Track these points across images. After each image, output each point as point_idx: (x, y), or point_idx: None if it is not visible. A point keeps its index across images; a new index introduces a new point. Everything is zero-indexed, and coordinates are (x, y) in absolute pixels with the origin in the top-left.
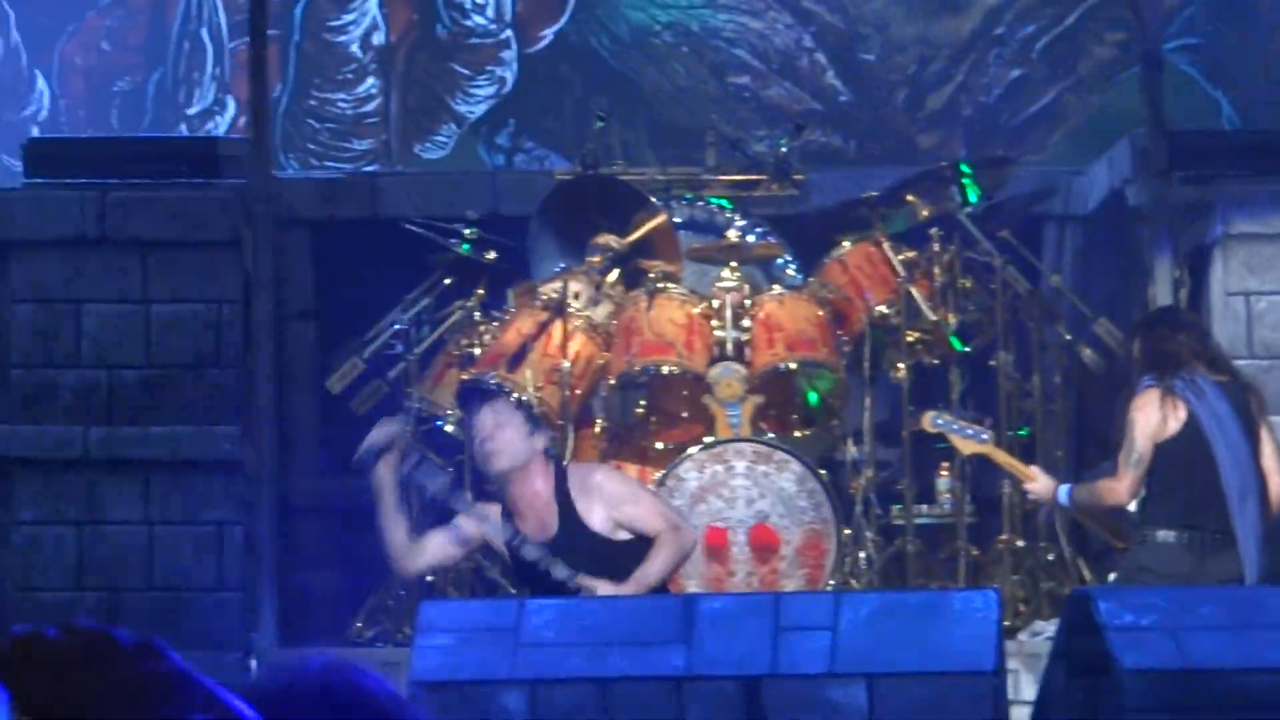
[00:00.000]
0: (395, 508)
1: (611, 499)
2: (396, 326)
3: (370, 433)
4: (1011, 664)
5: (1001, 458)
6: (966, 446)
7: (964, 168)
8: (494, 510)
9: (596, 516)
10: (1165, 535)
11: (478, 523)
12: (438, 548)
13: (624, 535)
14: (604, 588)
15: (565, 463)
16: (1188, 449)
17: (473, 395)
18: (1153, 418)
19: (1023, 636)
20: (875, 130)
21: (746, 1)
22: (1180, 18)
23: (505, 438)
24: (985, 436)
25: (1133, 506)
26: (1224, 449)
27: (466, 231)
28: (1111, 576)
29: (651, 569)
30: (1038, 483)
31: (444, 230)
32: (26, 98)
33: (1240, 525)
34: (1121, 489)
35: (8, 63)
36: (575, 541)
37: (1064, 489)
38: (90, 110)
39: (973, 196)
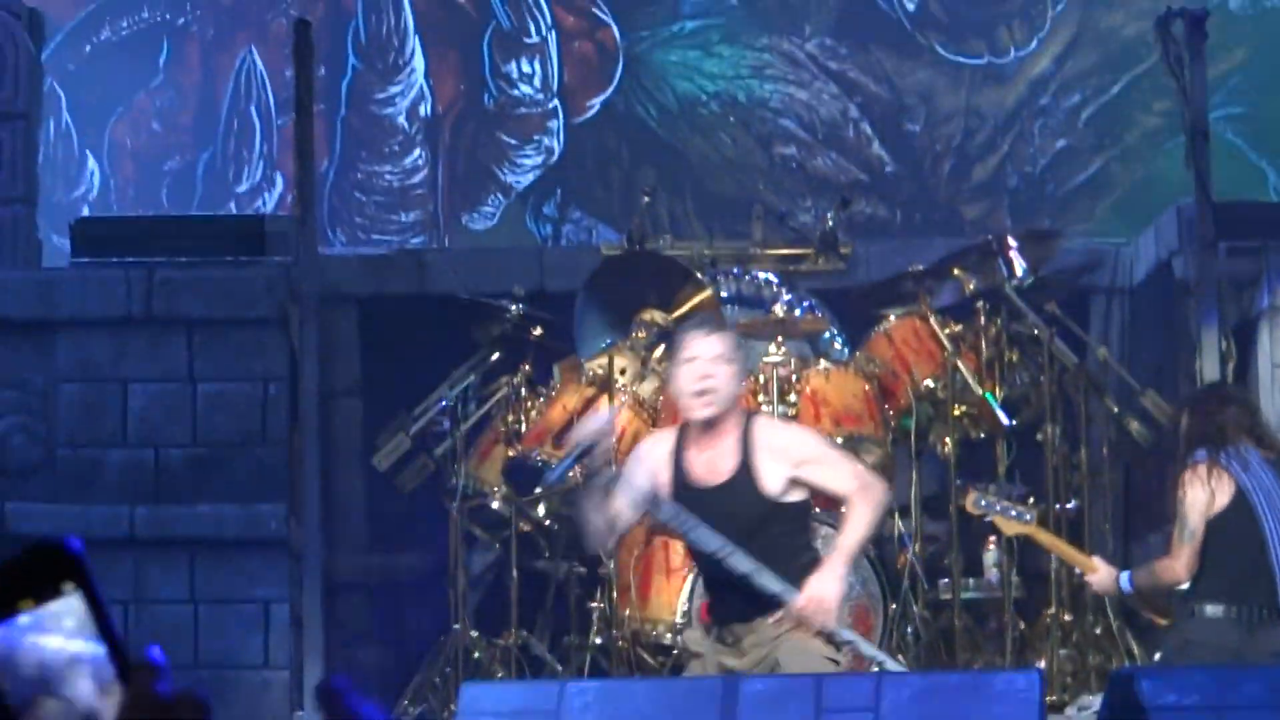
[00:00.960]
0: (600, 497)
1: (799, 459)
2: (443, 403)
3: (582, 428)
4: None
5: (1047, 540)
6: (1010, 527)
7: (1011, 240)
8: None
9: (772, 477)
10: (1214, 610)
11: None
12: (622, 515)
13: (794, 497)
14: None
15: (754, 413)
16: (1236, 523)
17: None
18: (1202, 493)
19: (1070, 711)
20: (920, 201)
21: (793, 72)
22: (1226, 86)
23: (724, 378)
24: (1029, 517)
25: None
26: (1272, 523)
27: (513, 308)
28: (1157, 655)
29: (853, 534)
30: (1099, 573)
31: (491, 306)
32: (77, 178)
33: None
34: (1179, 566)
35: (59, 144)
36: (737, 499)
37: (1125, 576)
38: (140, 190)
39: (1020, 271)
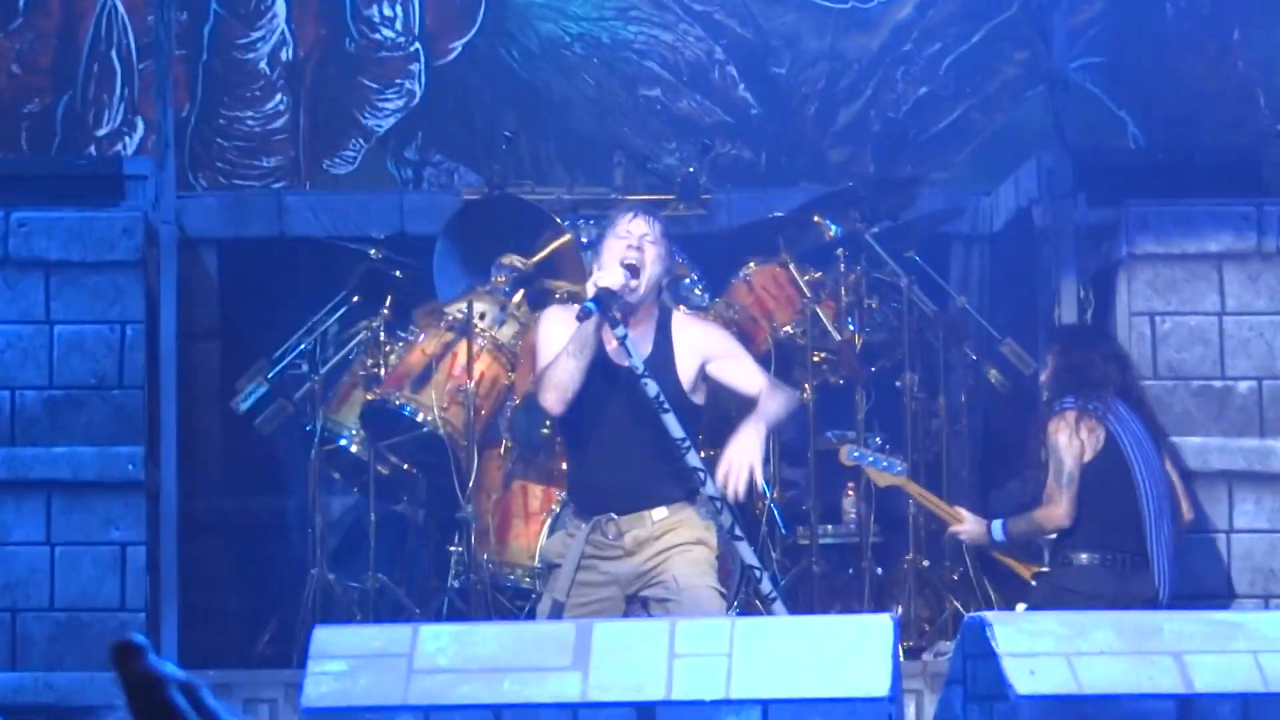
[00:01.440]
0: (588, 359)
1: (713, 353)
2: (302, 347)
3: (604, 272)
4: (915, 684)
5: (917, 492)
6: (882, 479)
7: (870, 188)
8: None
9: (686, 367)
10: (1089, 558)
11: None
12: (564, 365)
13: (698, 399)
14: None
15: (671, 307)
16: (1108, 471)
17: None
18: (1075, 439)
19: (927, 656)
20: (786, 144)
21: (658, 14)
22: (1085, 36)
23: (649, 261)
24: (900, 469)
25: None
26: (1143, 470)
27: (373, 252)
28: (1020, 606)
29: (768, 409)
30: (965, 524)
31: (351, 249)
32: None
33: (1155, 546)
34: (1060, 512)
35: None
36: (656, 379)
37: (997, 525)
38: None
39: (879, 218)
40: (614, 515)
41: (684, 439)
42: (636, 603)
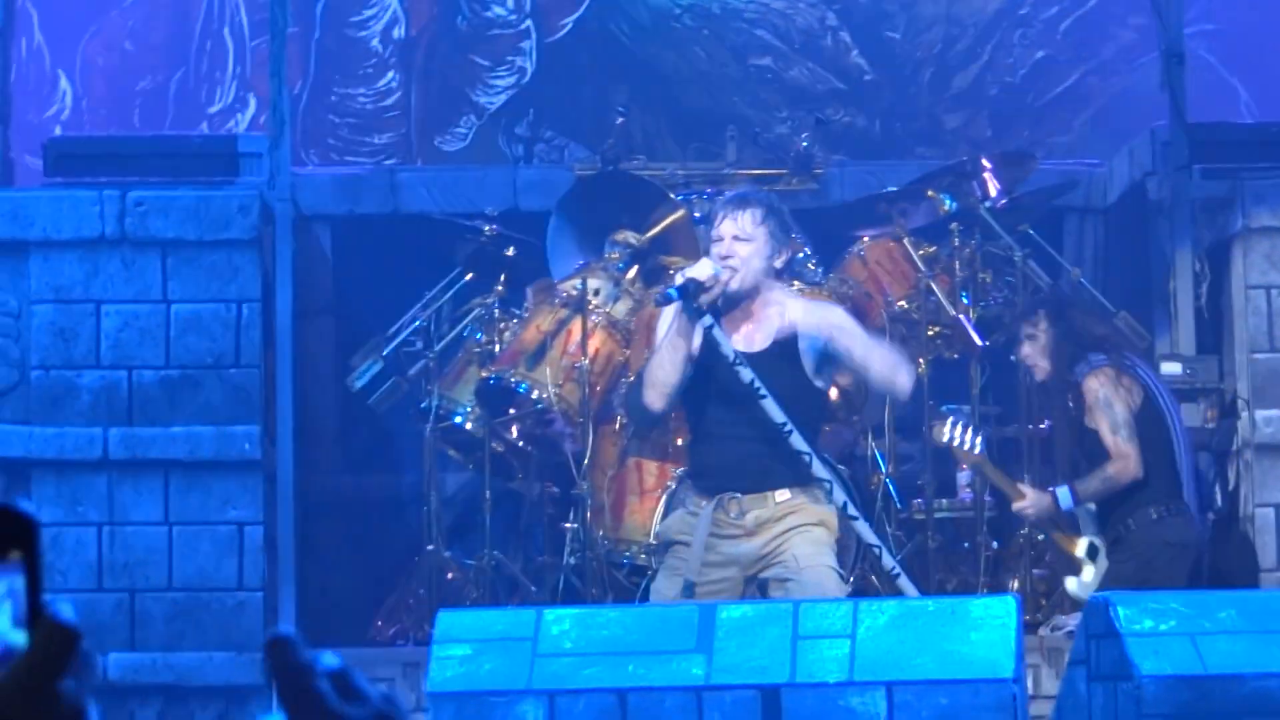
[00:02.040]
0: (685, 353)
1: (833, 325)
2: (417, 323)
3: (694, 266)
4: (1033, 659)
5: (990, 470)
6: (967, 459)
7: (986, 161)
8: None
9: (808, 353)
10: (1158, 510)
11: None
12: (659, 361)
13: (820, 382)
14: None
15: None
16: (1152, 423)
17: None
18: (1122, 389)
19: (1044, 631)
20: (900, 110)
21: None
22: (1199, 2)
23: (745, 257)
24: (978, 450)
25: None
26: (1176, 421)
27: (487, 228)
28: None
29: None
30: (1028, 499)
31: (464, 226)
32: (49, 98)
33: (1191, 494)
34: (1133, 464)
35: (31, 63)
36: (777, 367)
37: (1064, 492)
38: (112, 110)
39: (993, 191)
40: (738, 494)
41: (785, 423)
42: (754, 584)
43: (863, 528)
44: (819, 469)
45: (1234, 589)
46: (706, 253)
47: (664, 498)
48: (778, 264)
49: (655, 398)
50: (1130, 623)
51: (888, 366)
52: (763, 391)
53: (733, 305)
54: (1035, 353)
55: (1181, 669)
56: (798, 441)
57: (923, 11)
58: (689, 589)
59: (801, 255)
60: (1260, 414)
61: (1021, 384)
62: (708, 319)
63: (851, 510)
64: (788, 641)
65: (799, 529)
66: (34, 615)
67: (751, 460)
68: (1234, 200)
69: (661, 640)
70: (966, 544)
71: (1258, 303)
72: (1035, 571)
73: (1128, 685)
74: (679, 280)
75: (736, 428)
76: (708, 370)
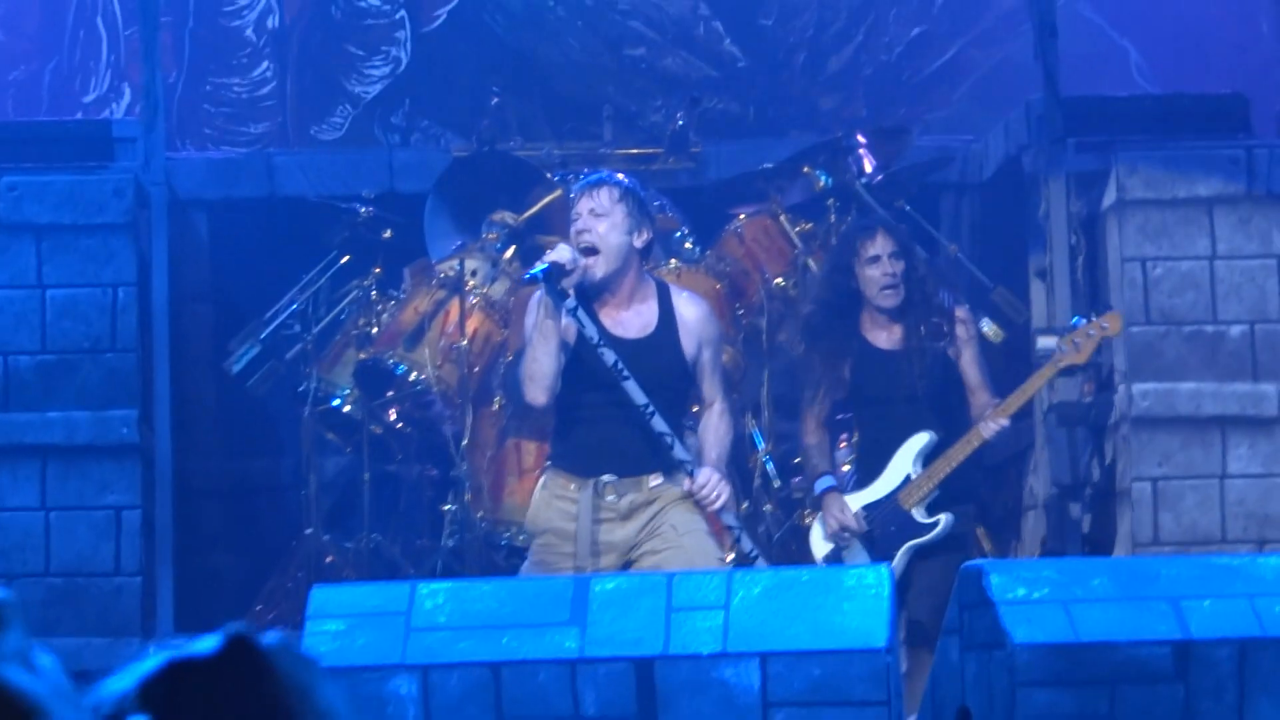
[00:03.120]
0: (556, 339)
1: (705, 339)
2: (294, 307)
3: (553, 250)
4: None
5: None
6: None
7: (861, 136)
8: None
9: (689, 346)
10: None
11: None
12: (533, 354)
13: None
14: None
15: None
16: None
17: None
18: None
19: None
20: (775, 95)
21: None
22: None
23: (603, 233)
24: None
25: None
26: None
27: (363, 210)
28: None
29: (725, 444)
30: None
31: (341, 209)
32: None
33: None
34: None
35: None
36: (659, 355)
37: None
38: None
39: (870, 168)
40: (613, 478)
41: (647, 405)
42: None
43: (726, 514)
44: (680, 451)
45: None
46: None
47: (542, 478)
48: (638, 243)
49: (537, 392)
50: (1003, 591)
51: (717, 416)
52: (626, 374)
53: (603, 289)
54: (880, 275)
55: (1054, 637)
56: (659, 424)
57: None
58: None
59: (679, 234)
60: (1137, 387)
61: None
62: (570, 301)
63: (733, 521)
64: (662, 613)
65: (673, 502)
66: None
67: (625, 444)
68: (1108, 173)
69: (535, 613)
70: None
71: (1133, 275)
72: None
73: (1001, 653)
74: (539, 266)
75: (607, 409)
76: (576, 353)
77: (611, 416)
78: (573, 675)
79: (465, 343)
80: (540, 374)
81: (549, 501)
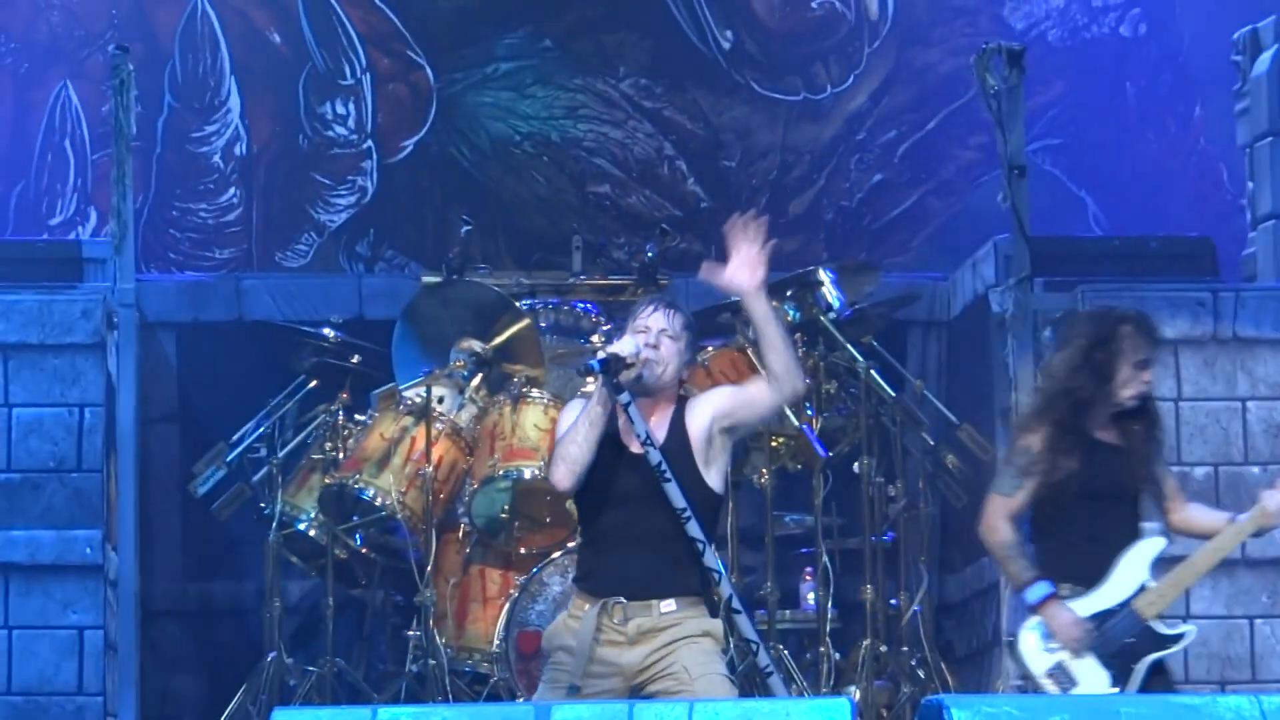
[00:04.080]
0: (599, 430)
1: (715, 400)
2: (260, 430)
3: (616, 342)
4: None
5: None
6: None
7: (827, 274)
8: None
9: (698, 442)
10: None
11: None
12: (573, 438)
13: (715, 480)
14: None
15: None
16: None
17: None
18: None
19: None
20: None
21: (607, 111)
22: (1045, 118)
23: (668, 353)
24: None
25: None
26: None
27: (331, 335)
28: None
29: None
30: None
31: (309, 333)
32: None
33: None
34: None
35: None
36: (674, 471)
37: None
38: None
39: (836, 303)
40: (622, 600)
41: (684, 509)
42: (637, 696)
43: (744, 622)
44: (710, 558)
45: None
46: (551, 361)
47: (507, 606)
48: (685, 375)
49: (564, 475)
50: None
51: (786, 371)
52: (668, 475)
53: (642, 397)
54: (1143, 382)
55: None
56: (693, 529)
57: (758, 140)
58: (573, 694)
59: None
60: None
61: (863, 496)
62: (625, 395)
63: (735, 604)
64: None
65: (686, 639)
66: None
67: (640, 567)
68: (1075, 312)
69: None
70: (809, 654)
71: None
72: (877, 682)
73: None
74: (601, 354)
75: (630, 530)
76: (616, 464)
77: (634, 538)
78: None
79: (431, 469)
80: (574, 457)
81: (565, 620)
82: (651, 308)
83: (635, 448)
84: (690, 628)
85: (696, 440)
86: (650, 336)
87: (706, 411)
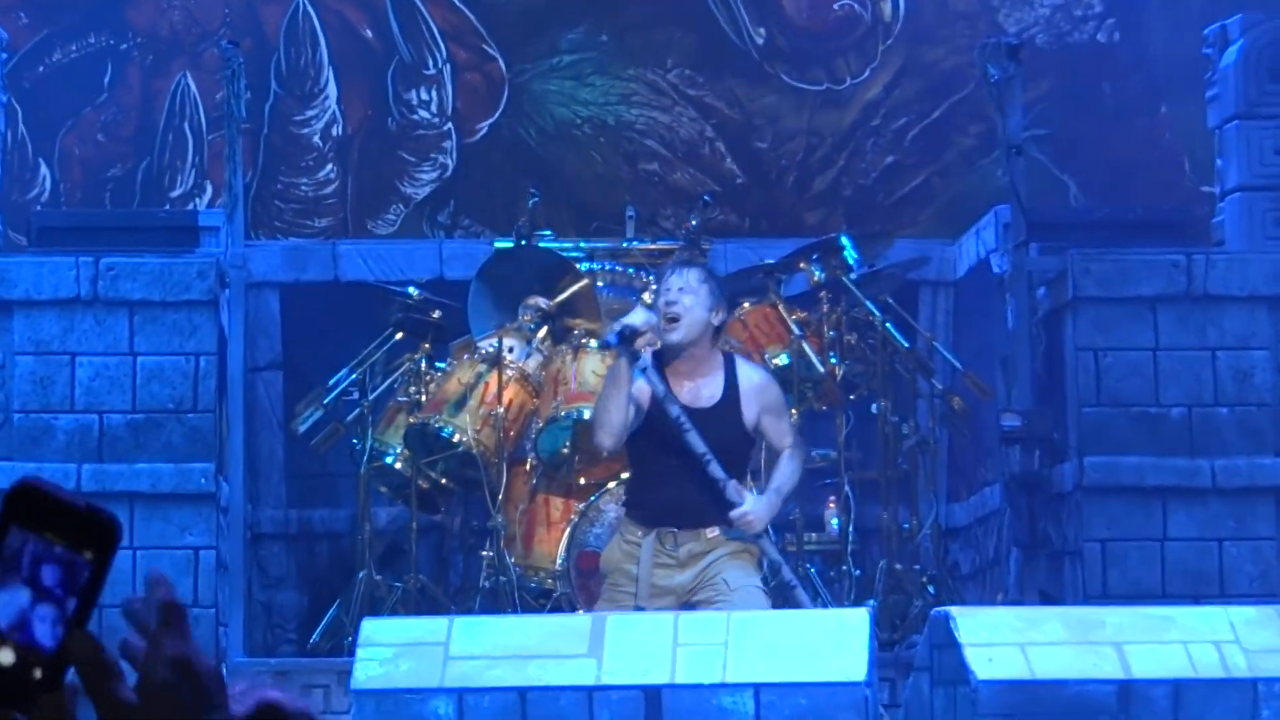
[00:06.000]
0: (625, 393)
1: (768, 406)
2: (353, 376)
3: (630, 314)
4: (889, 673)
5: None
6: None
7: (847, 240)
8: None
9: (749, 412)
10: None
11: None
12: (602, 405)
13: (751, 432)
14: (749, 500)
15: (732, 354)
16: None
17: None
18: None
19: (898, 650)
20: (767, 208)
21: (656, 99)
22: (1033, 111)
23: (688, 306)
24: None
25: None
26: None
27: (415, 293)
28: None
29: (786, 478)
30: None
31: (396, 292)
32: (31, 182)
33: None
34: None
35: (16, 151)
36: (722, 423)
37: None
38: (86, 193)
39: (855, 264)
40: (674, 529)
41: (705, 453)
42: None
43: (768, 546)
44: (732, 492)
45: None
46: (607, 315)
47: (568, 530)
48: (715, 320)
49: (604, 436)
50: (968, 634)
51: (789, 454)
52: (687, 425)
53: (677, 355)
54: None
55: (1012, 675)
56: (715, 470)
57: (787, 125)
58: (639, 612)
59: None
60: (1088, 460)
61: (879, 433)
62: (643, 361)
63: (776, 555)
64: (669, 648)
65: (727, 555)
66: (80, 620)
67: (687, 500)
68: (1066, 273)
69: (558, 646)
70: (833, 572)
71: (1086, 363)
72: (892, 597)
73: (965, 689)
74: (616, 327)
75: (676, 471)
76: (649, 417)
77: (677, 476)
78: (590, 701)
79: (502, 410)
80: (607, 421)
81: (619, 545)
82: (669, 273)
83: (682, 396)
84: (732, 546)
85: (747, 408)
86: (671, 296)
87: (759, 401)
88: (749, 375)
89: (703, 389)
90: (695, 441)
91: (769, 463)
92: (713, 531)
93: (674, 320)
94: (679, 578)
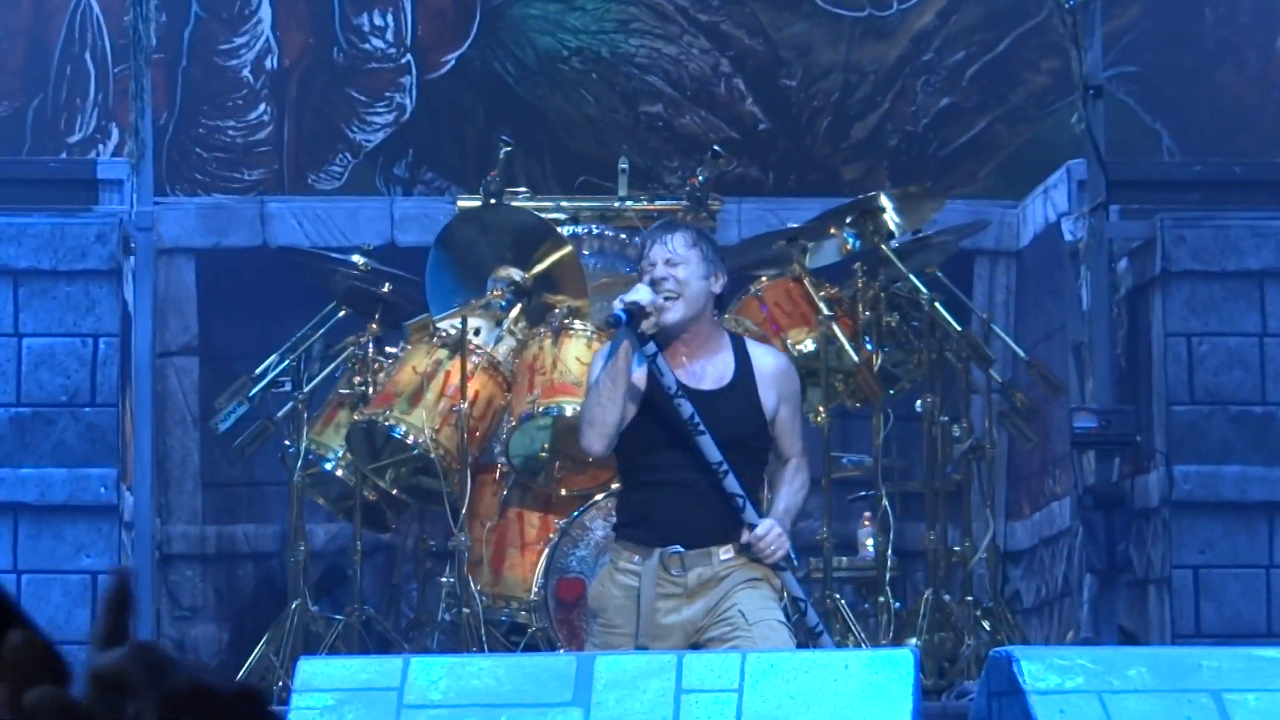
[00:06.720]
0: (623, 384)
1: (786, 395)
2: (285, 363)
3: (632, 290)
4: None
5: None
6: None
7: (889, 200)
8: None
9: (767, 397)
10: None
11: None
12: (597, 398)
13: (772, 430)
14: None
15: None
16: None
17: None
18: None
19: (945, 699)
20: (796, 161)
21: (661, 25)
22: (1119, 44)
23: (683, 279)
24: None
25: None
26: None
27: (361, 262)
28: None
29: (794, 499)
30: None
31: (337, 260)
32: None
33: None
34: None
35: None
36: (736, 406)
37: None
38: None
39: (897, 229)
40: (680, 550)
41: (720, 462)
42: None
43: (790, 580)
44: (751, 514)
45: None
46: (594, 291)
47: (546, 551)
48: (715, 288)
49: (594, 438)
50: (1035, 679)
51: (793, 469)
52: (701, 428)
53: (677, 336)
54: None
55: None
56: (731, 484)
57: (820, 59)
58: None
59: None
60: (1178, 469)
61: (925, 436)
62: (652, 346)
63: (781, 562)
64: (671, 695)
65: (745, 583)
66: None
67: (695, 511)
68: (1153, 242)
69: (536, 692)
70: (867, 604)
71: (1178, 351)
72: (939, 634)
73: None
74: (617, 305)
75: (678, 473)
76: (646, 407)
77: (685, 481)
78: None
79: (466, 405)
80: (603, 420)
81: (611, 576)
82: (649, 244)
83: (688, 380)
84: (749, 571)
85: (765, 393)
86: (657, 271)
87: (777, 388)
88: (764, 356)
89: (708, 370)
90: (709, 448)
91: (767, 475)
92: (725, 551)
93: (671, 299)
94: (687, 611)
